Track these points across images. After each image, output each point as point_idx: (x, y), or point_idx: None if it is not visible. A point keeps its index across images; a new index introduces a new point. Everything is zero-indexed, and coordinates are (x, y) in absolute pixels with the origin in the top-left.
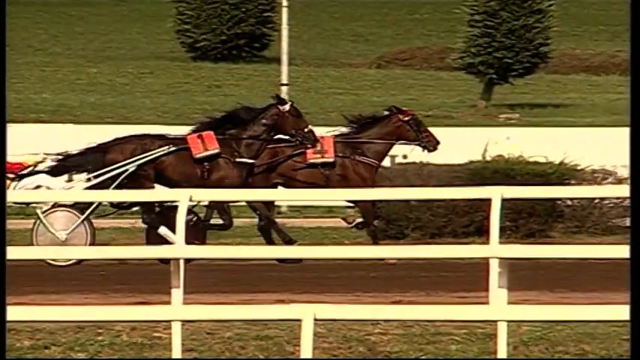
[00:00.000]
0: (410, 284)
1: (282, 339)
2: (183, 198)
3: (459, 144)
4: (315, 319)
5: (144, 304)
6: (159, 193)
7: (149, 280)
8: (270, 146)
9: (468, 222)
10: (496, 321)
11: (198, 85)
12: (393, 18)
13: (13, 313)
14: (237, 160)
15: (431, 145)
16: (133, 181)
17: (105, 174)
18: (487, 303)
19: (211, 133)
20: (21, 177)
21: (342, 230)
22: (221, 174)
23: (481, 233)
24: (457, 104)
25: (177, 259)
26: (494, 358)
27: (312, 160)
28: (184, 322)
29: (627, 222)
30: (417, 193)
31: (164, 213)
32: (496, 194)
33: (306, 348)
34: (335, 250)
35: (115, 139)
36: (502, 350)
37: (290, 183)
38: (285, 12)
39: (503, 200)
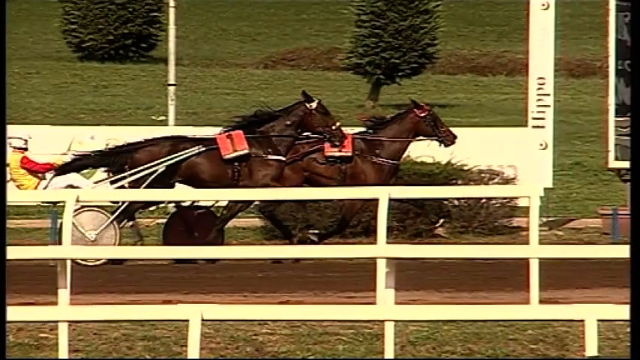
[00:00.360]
0: (298, 284)
1: (170, 339)
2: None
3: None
4: (203, 320)
5: (30, 305)
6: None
7: (35, 280)
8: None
9: (356, 222)
10: (383, 321)
11: (85, 85)
12: (280, 18)
13: None
14: (270, 157)
15: (448, 140)
16: (161, 181)
17: (135, 174)
18: (375, 303)
19: (240, 132)
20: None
21: (229, 230)
22: (262, 172)
23: (368, 233)
24: (344, 104)
25: (64, 260)
26: (382, 358)
27: (329, 154)
28: (71, 322)
29: (514, 222)
30: (306, 193)
31: (181, 212)
32: (383, 194)
33: (194, 348)
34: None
35: (145, 140)
36: (389, 350)
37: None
38: (172, 12)
39: (391, 200)
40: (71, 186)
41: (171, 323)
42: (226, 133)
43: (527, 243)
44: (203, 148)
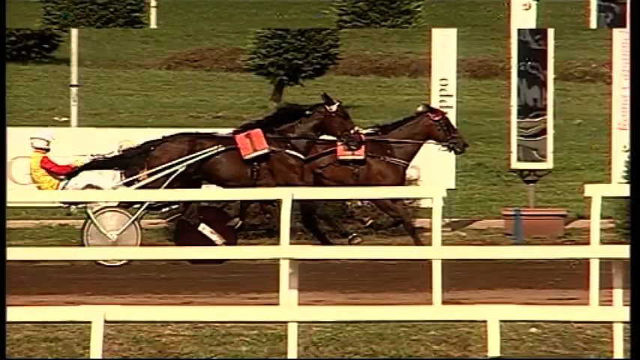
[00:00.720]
0: (201, 285)
1: (72, 341)
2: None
3: None
4: (105, 321)
5: None
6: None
7: None
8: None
9: (259, 223)
10: (287, 322)
11: None
12: (183, 19)
13: None
14: (292, 152)
15: (459, 146)
16: (180, 181)
17: (156, 173)
18: (278, 304)
19: (260, 132)
20: (69, 177)
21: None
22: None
23: (272, 234)
24: (248, 105)
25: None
26: (285, 359)
27: (342, 157)
28: None
29: (416, 223)
30: (209, 194)
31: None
32: (286, 195)
33: (96, 350)
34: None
35: (163, 138)
36: (292, 351)
37: (319, 180)
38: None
39: (294, 201)
40: (90, 186)
41: (73, 325)
42: (245, 133)
43: (430, 244)
44: (223, 147)
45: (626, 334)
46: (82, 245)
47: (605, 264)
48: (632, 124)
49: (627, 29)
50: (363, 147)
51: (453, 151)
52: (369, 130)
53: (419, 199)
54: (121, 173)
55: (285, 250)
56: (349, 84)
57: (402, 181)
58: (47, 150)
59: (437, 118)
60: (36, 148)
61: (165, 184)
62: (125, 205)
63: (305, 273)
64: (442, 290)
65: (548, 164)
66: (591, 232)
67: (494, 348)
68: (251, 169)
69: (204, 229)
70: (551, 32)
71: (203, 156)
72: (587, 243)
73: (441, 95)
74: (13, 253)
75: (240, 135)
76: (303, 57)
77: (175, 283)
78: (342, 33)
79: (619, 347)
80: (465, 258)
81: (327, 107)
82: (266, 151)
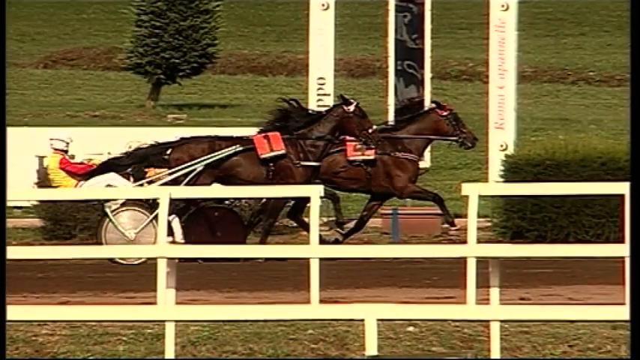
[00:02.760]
0: (78, 285)
1: None
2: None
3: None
4: None
5: None
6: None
7: None
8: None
9: None
10: (164, 321)
11: None
12: (59, 17)
13: None
14: (302, 163)
15: (468, 140)
16: (198, 180)
17: (174, 173)
18: (155, 303)
19: (277, 133)
20: (89, 176)
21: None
22: (287, 177)
23: None
24: (125, 104)
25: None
26: (162, 358)
27: (352, 158)
28: None
29: (293, 222)
30: (85, 194)
31: (203, 211)
32: (164, 194)
33: None
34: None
35: (181, 139)
36: (170, 350)
37: (332, 181)
38: None
39: (172, 200)
40: (110, 186)
41: None
42: (263, 134)
43: (307, 243)
44: (240, 148)
45: (502, 332)
46: (100, 243)
47: (482, 263)
48: (632, 124)
49: (505, 29)
50: (369, 148)
51: (463, 146)
52: (378, 128)
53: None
54: (129, 174)
55: (164, 250)
56: (227, 83)
57: (415, 177)
58: (66, 151)
59: (445, 114)
60: (55, 149)
61: (184, 183)
62: (144, 204)
63: (182, 272)
64: (320, 289)
65: (426, 163)
66: (468, 231)
67: (371, 347)
68: (267, 169)
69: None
70: (428, 31)
71: (220, 156)
72: (465, 242)
73: (319, 94)
74: (89, 252)
75: (258, 135)
76: (181, 56)
77: (52, 283)
78: (219, 32)
79: (496, 345)
80: (342, 257)
81: (345, 107)
82: (283, 152)
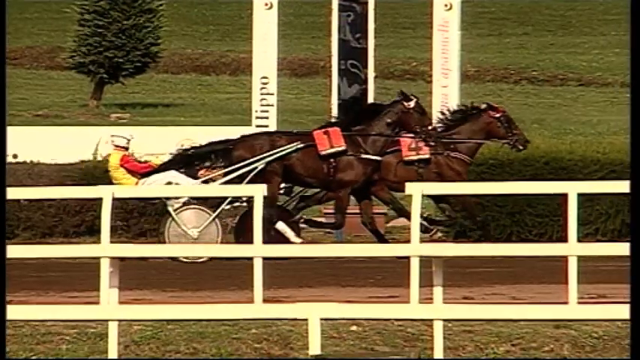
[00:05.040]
0: (20, 284)
1: None
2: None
3: (70, 144)
4: None
5: None
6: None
7: None
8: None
9: (79, 221)
10: (107, 320)
11: None
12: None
13: None
14: (363, 156)
15: (520, 142)
16: (261, 177)
17: (234, 171)
18: (98, 302)
19: (337, 129)
20: (149, 174)
21: None
22: (346, 171)
23: (92, 232)
24: (68, 104)
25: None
26: (105, 358)
27: (407, 158)
28: None
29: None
30: (29, 193)
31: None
32: (107, 194)
33: None
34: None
35: (242, 136)
36: (113, 350)
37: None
38: None
39: (115, 199)
40: (170, 184)
41: None
42: (323, 130)
43: (251, 242)
44: (301, 144)
45: (445, 331)
46: (163, 242)
47: (426, 262)
48: (632, 124)
49: (448, 28)
50: (427, 146)
51: (514, 148)
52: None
53: (241, 198)
54: (180, 171)
55: (106, 249)
56: (170, 82)
57: (465, 178)
58: (126, 148)
59: (497, 116)
60: (116, 146)
61: (246, 181)
62: (207, 203)
63: (126, 271)
64: (263, 288)
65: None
66: (412, 230)
67: (315, 346)
68: (327, 165)
69: (281, 226)
70: (371, 31)
71: (281, 153)
72: (408, 241)
73: (262, 94)
74: (31, 251)
75: (318, 131)
76: (124, 55)
77: None
78: (162, 31)
79: (439, 344)
80: (286, 256)
81: (405, 103)
82: (343, 147)
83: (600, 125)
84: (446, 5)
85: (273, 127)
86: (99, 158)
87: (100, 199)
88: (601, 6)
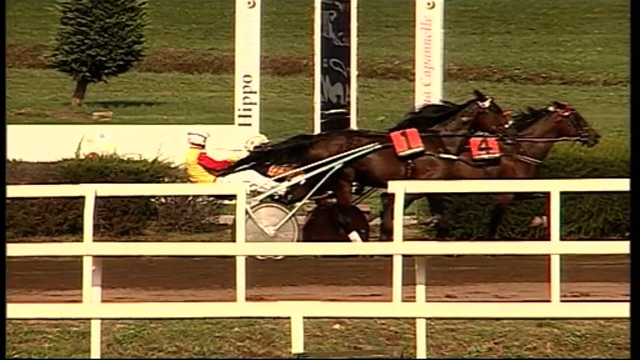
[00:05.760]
0: None
1: None
2: None
3: (52, 142)
4: None
5: None
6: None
7: None
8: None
9: (62, 220)
10: (90, 319)
11: None
12: None
13: None
14: (442, 155)
15: (591, 139)
16: (335, 178)
17: (312, 170)
18: (81, 301)
19: (415, 130)
20: (226, 172)
21: None
22: (426, 172)
23: (75, 231)
24: (50, 102)
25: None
26: (88, 357)
27: (478, 157)
28: None
29: (220, 219)
30: (12, 191)
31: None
32: (90, 192)
33: None
34: None
35: (319, 135)
36: (95, 348)
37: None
38: None
39: (98, 198)
40: (246, 182)
41: None
42: (400, 131)
43: (233, 241)
44: (379, 145)
45: (428, 329)
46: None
47: (409, 260)
48: (632, 124)
49: (431, 26)
50: (497, 146)
51: (585, 145)
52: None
53: (222, 196)
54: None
55: (89, 247)
56: (152, 80)
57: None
58: (203, 146)
59: (566, 114)
60: (192, 144)
61: (323, 181)
62: (281, 201)
63: (108, 270)
64: (246, 287)
65: None
66: (394, 229)
67: (297, 344)
68: (406, 166)
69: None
70: (354, 29)
71: (359, 153)
72: (391, 239)
73: (245, 92)
74: (13, 250)
75: (396, 132)
76: (107, 53)
77: None
78: (145, 30)
79: (422, 343)
80: (269, 254)
81: (480, 103)
82: (421, 148)
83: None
84: (428, 3)
85: (255, 126)
86: (81, 157)
87: (82, 198)
88: (583, 4)
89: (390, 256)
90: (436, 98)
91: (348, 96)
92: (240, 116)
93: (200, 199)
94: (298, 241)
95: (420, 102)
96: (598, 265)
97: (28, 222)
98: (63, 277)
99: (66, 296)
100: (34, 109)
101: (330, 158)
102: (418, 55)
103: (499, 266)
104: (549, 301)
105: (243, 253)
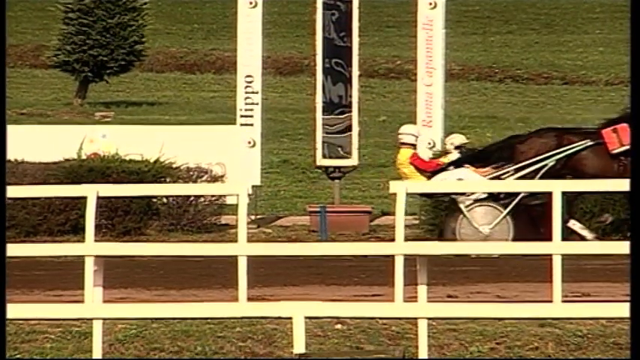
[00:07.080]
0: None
1: None
2: None
3: (54, 142)
4: None
5: None
6: None
7: None
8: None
9: (64, 220)
10: (91, 319)
11: None
12: None
13: None
14: None
15: None
16: (547, 176)
17: (524, 168)
18: (83, 301)
19: (626, 126)
20: (438, 173)
21: None
22: None
23: (77, 231)
24: (52, 102)
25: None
26: (90, 357)
27: (615, 151)
28: None
29: (222, 220)
30: (13, 192)
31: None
32: (91, 192)
33: None
34: None
35: (530, 133)
36: (97, 348)
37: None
38: None
39: (99, 198)
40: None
41: None
42: (611, 127)
43: (235, 241)
44: (590, 142)
45: (430, 329)
46: (454, 239)
47: (410, 260)
48: (632, 123)
49: (432, 27)
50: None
51: None
52: None
53: (224, 195)
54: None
55: (91, 247)
56: (154, 81)
57: None
58: (414, 145)
59: None
60: (403, 143)
61: (537, 178)
62: (495, 200)
63: (110, 270)
64: (247, 287)
65: (353, 161)
66: (396, 229)
67: (299, 344)
68: (618, 163)
69: (574, 224)
70: (355, 29)
71: (571, 151)
72: (392, 239)
73: (247, 92)
74: (15, 250)
75: (607, 129)
76: (108, 53)
77: None
78: (147, 30)
79: (423, 343)
80: (270, 254)
81: None
82: None
83: (584, 124)
84: (430, 3)
85: (257, 126)
86: (83, 157)
87: (84, 198)
88: (585, 5)
89: (392, 256)
90: (438, 98)
91: (350, 96)
92: (241, 116)
93: (202, 200)
94: (513, 240)
95: (421, 102)
96: (600, 266)
97: (30, 222)
98: (65, 278)
99: (68, 296)
100: (35, 109)
101: (542, 156)
102: (420, 55)
103: (500, 266)
104: (551, 301)
105: (246, 253)
